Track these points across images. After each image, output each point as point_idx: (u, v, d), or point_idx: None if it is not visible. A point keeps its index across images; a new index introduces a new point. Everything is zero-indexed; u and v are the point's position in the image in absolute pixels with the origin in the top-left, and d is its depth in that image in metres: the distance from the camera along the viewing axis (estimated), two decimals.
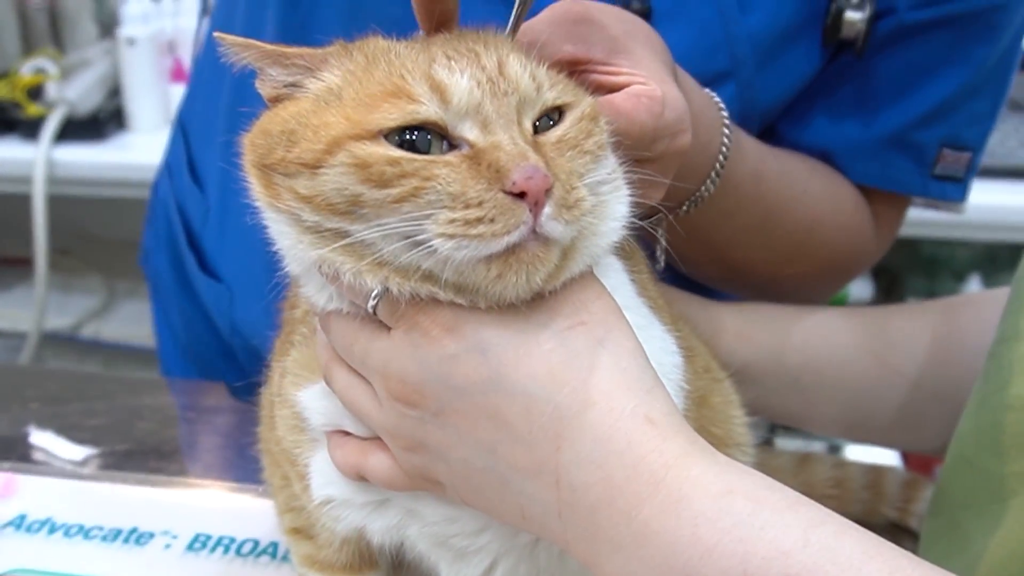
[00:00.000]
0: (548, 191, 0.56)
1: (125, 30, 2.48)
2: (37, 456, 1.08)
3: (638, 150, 0.69)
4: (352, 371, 0.66)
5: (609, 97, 0.69)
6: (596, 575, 0.59)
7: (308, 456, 0.71)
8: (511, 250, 0.56)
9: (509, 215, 0.55)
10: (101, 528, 0.95)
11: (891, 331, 0.98)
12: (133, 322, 2.74)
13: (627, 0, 0.95)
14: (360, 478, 0.67)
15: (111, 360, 2.74)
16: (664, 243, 0.91)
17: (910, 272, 2.65)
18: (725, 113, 0.88)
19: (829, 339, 0.98)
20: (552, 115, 0.62)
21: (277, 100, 0.65)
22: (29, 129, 2.45)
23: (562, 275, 0.60)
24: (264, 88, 0.65)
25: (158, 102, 2.53)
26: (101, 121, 2.49)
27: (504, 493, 0.61)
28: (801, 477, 1.00)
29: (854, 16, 0.98)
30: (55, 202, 2.44)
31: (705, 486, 0.56)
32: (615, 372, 0.59)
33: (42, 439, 1.09)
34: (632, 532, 0.56)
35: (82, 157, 2.42)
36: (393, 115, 0.58)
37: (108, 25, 2.74)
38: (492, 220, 0.55)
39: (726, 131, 0.87)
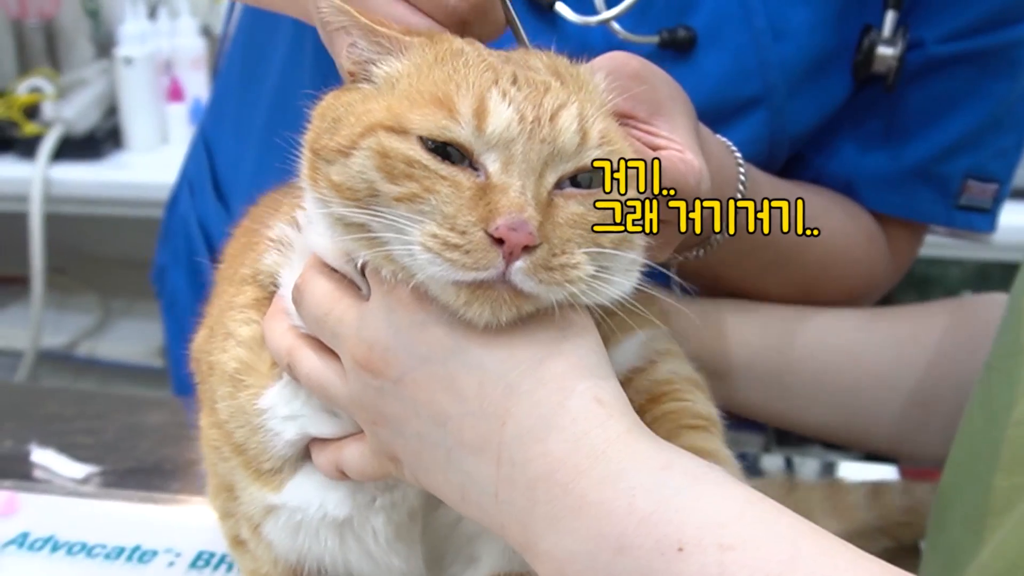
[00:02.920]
0: (529, 248, 0.57)
1: (122, 49, 2.50)
2: (38, 474, 1.08)
3: (671, 211, 0.69)
4: (320, 349, 0.66)
5: (664, 153, 0.70)
6: (530, 558, 0.60)
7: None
8: (480, 285, 0.58)
9: (483, 255, 0.57)
10: (104, 546, 0.95)
11: (896, 331, 0.98)
12: (129, 340, 2.74)
13: (674, 27, 0.96)
14: (341, 476, 0.68)
15: (107, 378, 2.74)
16: (677, 281, 0.92)
17: (903, 290, 2.66)
18: (740, 159, 0.89)
19: (829, 341, 0.99)
20: (597, 176, 0.62)
21: (352, 76, 0.66)
22: (26, 148, 2.46)
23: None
24: (347, 60, 0.65)
25: (155, 121, 2.55)
26: (98, 140, 2.50)
27: (448, 470, 0.62)
28: (875, 511, 1.00)
29: (886, 52, 0.99)
30: (51, 220, 2.44)
31: (644, 460, 0.57)
32: (571, 359, 0.61)
33: (44, 457, 1.09)
34: (568, 504, 0.57)
35: (79, 176, 2.43)
36: (427, 123, 0.59)
37: (104, 45, 2.75)
38: (467, 252, 0.57)
39: (741, 176, 0.88)
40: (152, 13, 2.62)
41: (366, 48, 0.64)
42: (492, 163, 0.59)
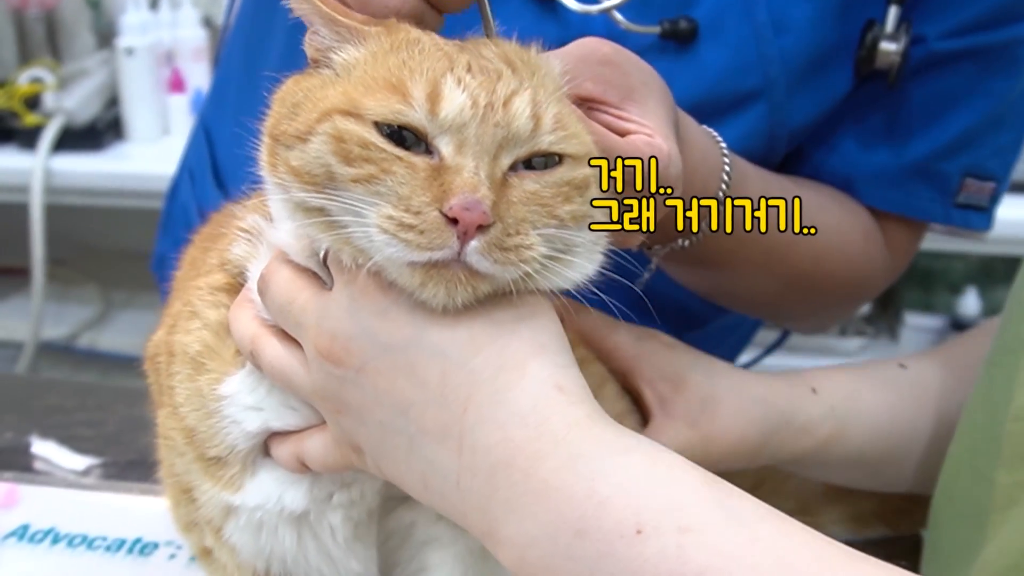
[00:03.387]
0: (483, 227, 0.58)
1: (124, 40, 2.49)
2: (39, 466, 1.08)
3: (637, 194, 0.70)
4: (282, 337, 0.67)
5: (632, 138, 0.70)
6: (492, 545, 0.60)
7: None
8: (435, 265, 0.58)
9: (437, 235, 0.57)
10: (105, 538, 0.95)
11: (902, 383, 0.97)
12: (129, 332, 2.74)
13: (676, 18, 0.96)
14: (302, 468, 0.68)
15: (107, 370, 2.74)
16: (652, 269, 0.92)
17: (906, 285, 2.66)
18: (725, 150, 0.89)
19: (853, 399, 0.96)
20: (551, 160, 0.63)
21: (315, 63, 0.66)
22: (27, 138, 2.46)
23: (510, 287, 0.62)
24: (309, 47, 0.66)
25: (156, 112, 2.54)
26: (99, 131, 2.50)
27: (411, 459, 0.62)
28: (874, 497, 1.00)
29: (889, 47, 0.98)
30: (52, 211, 2.44)
31: (604, 445, 0.57)
32: (532, 345, 0.61)
33: (44, 449, 1.09)
34: (529, 489, 0.57)
35: (80, 167, 2.43)
36: (381, 108, 0.60)
37: (105, 35, 2.74)
38: (421, 232, 0.57)
39: (726, 167, 0.88)
40: (153, 4, 2.61)
41: (327, 36, 0.65)
42: (446, 146, 0.60)
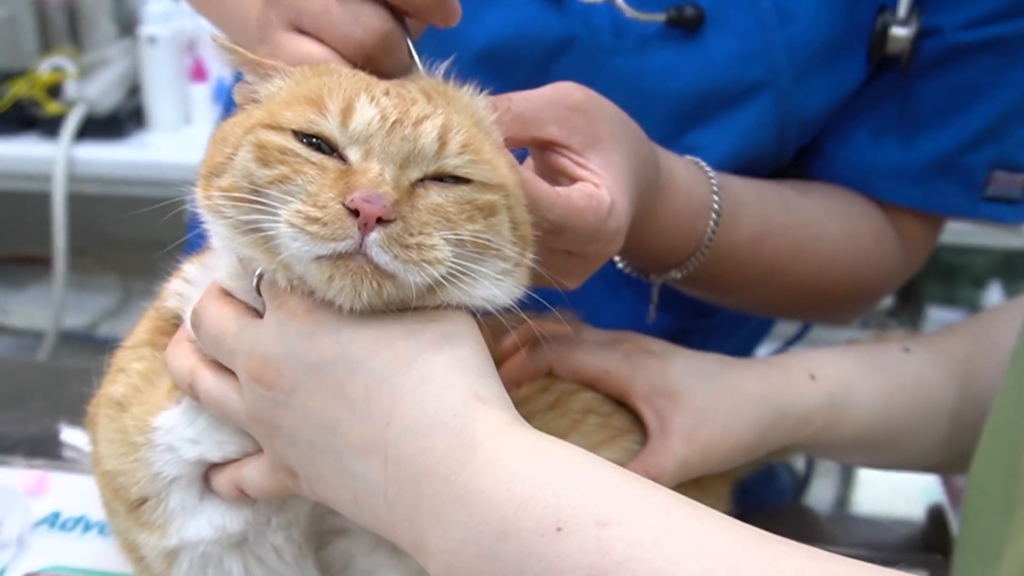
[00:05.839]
0: (384, 221, 0.60)
1: (146, 29, 2.49)
2: (68, 454, 1.08)
3: (576, 244, 0.73)
4: (217, 368, 0.69)
5: (567, 190, 0.72)
6: (420, 556, 0.61)
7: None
8: (340, 257, 0.61)
9: (339, 225, 0.60)
10: None
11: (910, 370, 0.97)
12: None
13: (682, 4, 0.95)
14: (241, 495, 0.70)
15: None
16: (655, 301, 0.96)
17: (928, 279, 2.65)
18: (716, 186, 0.90)
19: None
20: (460, 182, 0.65)
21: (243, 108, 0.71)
22: (49, 127, 2.47)
23: (425, 300, 0.63)
24: (239, 96, 0.71)
25: (178, 101, 2.55)
26: (121, 120, 2.51)
27: (340, 475, 0.63)
28: None
29: (900, 32, 0.97)
30: (73, 200, 2.44)
31: (522, 448, 0.59)
32: (453, 359, 0.63)
33: (73, 437, 1.09)
34: (452, 495, 0.58)
35: (101, 156, 2.44)
36: (298, 119, 0.64)
37: (126, 24, 2.74)
38: (325, 224, 0.60)
39: (716, 204, 0.89)
40: None
41: (255, 81, 0.70)
42: (354, 154, 0.63)
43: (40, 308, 2.70)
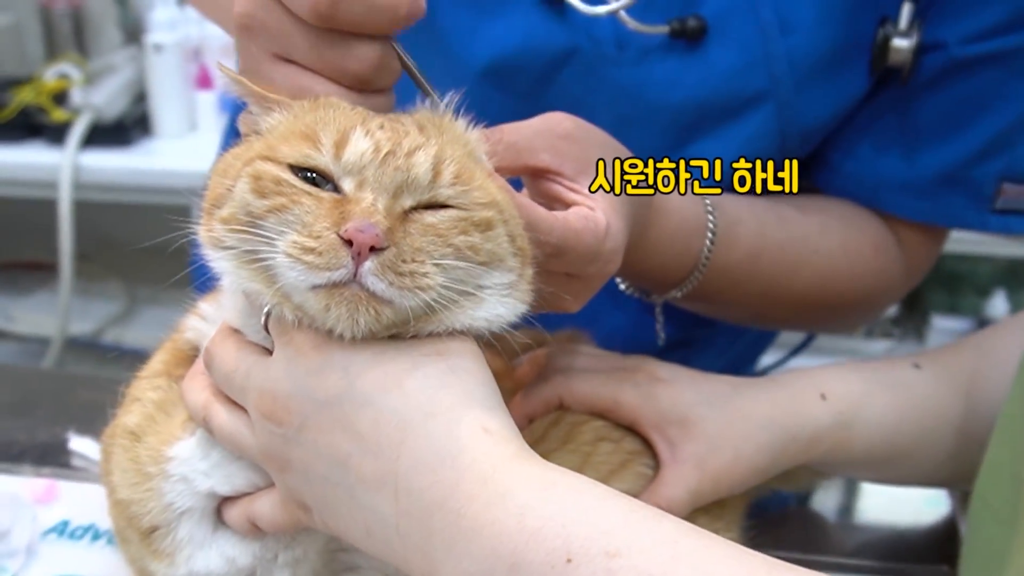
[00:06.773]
0: (377, 249, 0.61)
1: (152, 36, 2.50)
2: (77, 462, 1.08)
3: (576, 265, 0.74)
4: (230, 404, 0.70)
5: (564, 213, 0.74)
6: None
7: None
8: (336, 286, 0.62)
9: (333, 255, 0.61)
10: None
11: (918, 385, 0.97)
12: (155, 328, 2.71)
13: (684, 16, 0.96)
14: (253, 529, 0.71)
15: (132, 366, 2.72)
16: (660, 321, 0.97)
17: (933, 288, 2.65)
18: (709, 203, 0.91)
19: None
20: (454, 208, 0.66)
21: (247, 137, 0.72)
22: (54, 134, 2.47)
23: (422, 326, 0.65)
24: (243, 126, 0.72)
25: (184, 108, 2.55)
26: (126, 127, 2.51)
27: (352, 509, 0.64)
28: None
29: (901, 43, 0.97)
30: (79, 207, 2.45)
31: (529, 480, 0.60)
32: (460, 392, 0.64)
33: (82, 445, 1.09)
34: (462, 529, 0.59)
35: (107, 163, 2.44)
36: (294, 152, 0.65)
37: (132, 31, 2.75)
38: (320, 254, 0.61)
39: (711, 225, 0.90)
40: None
41: (258, 112, 0.71)
42: (348, 184, 0.64)
43: (46, 315, 2.70)
